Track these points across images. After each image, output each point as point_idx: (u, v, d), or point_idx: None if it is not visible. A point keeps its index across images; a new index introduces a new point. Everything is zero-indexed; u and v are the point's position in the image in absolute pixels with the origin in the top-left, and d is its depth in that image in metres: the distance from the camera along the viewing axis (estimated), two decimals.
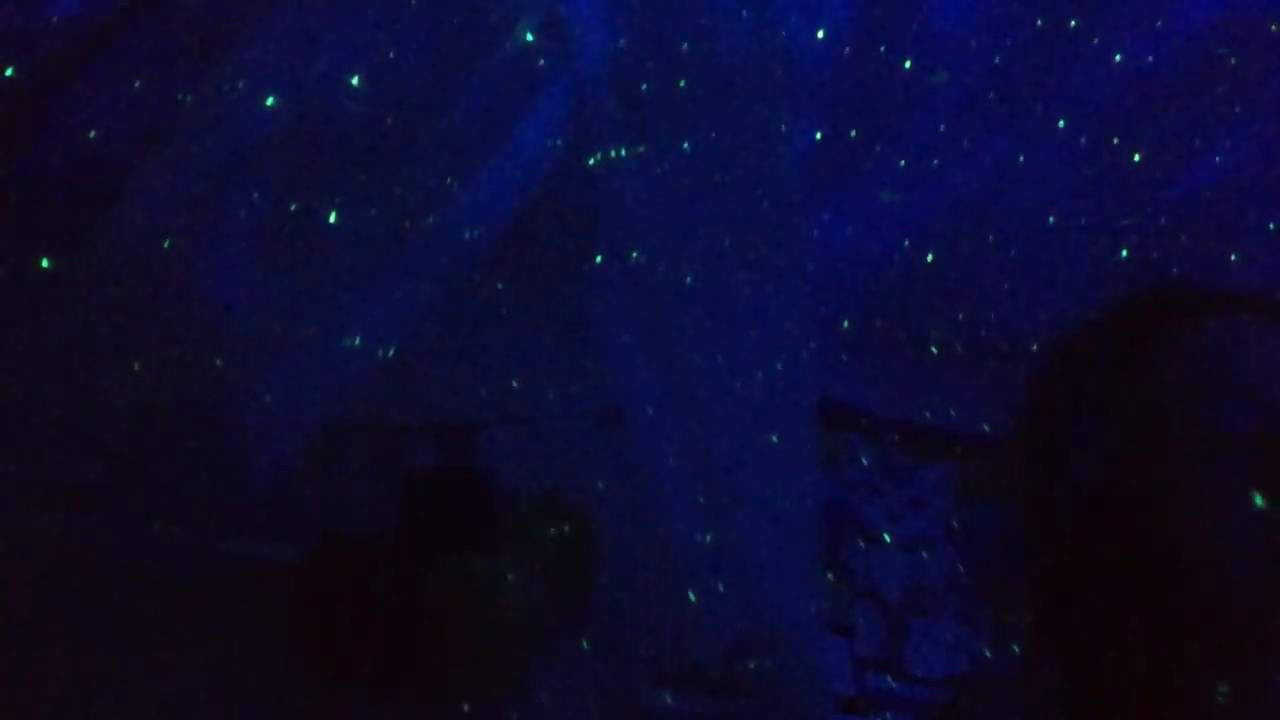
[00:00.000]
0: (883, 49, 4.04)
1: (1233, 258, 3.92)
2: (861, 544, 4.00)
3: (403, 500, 3.68)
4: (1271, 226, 3.90)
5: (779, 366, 3.74)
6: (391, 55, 3.77)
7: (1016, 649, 3.31)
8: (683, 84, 3.83)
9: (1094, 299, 3.89)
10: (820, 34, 3.95)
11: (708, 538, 3.66)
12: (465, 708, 3.42)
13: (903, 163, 4.08)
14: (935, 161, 4.07)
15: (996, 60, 4.04)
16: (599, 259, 3.81)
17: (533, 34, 3.83)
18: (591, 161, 3.82)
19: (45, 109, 3.72)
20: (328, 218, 3.72)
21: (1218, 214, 4.00)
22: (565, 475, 3.81)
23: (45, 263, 3.58)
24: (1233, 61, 3.97)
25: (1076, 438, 1.52)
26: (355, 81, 3.72)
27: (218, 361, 3.65)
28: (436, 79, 3.81)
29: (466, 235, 3.78)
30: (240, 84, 3.64)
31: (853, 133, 4.07)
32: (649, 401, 3.76)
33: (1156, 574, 1.41)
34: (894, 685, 3.84)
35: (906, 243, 4.09)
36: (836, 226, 4.16)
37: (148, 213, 3.63)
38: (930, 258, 4.07)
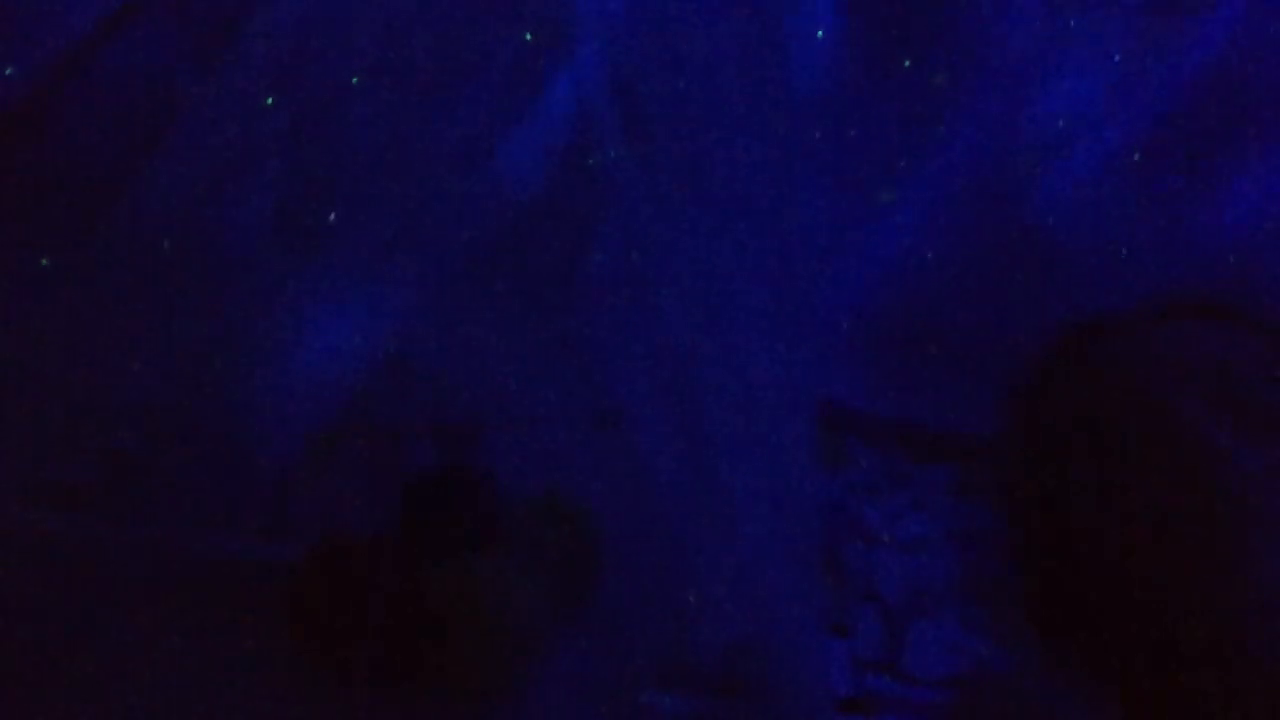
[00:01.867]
0: (883, 50, 4.05)
1: (1230, 259, 3.93)
2: (861, 545, 4.00)
3: (402, 501, 3.68)
4: (1270, 226, 3.91)
5: (779, 367, 3.74)
6: (391, 56, 3.77)
7: (1016, 649, 3.31)
8: (682, 84, 3.83)
9: (1095, 298, 3.90)
10: (820, 34, 3.96)
11: (707, 538, 3.65)
12: (465, 708, 3.42)
13: (903, 163, 4.09)
14: (937, 161, 4.08)
15: (997, 60, 4.04)
16: (598, 260, 3.82)
17: (532, 34, 3.83)
18: (590, 162, 3.82)
19: (45, 109, 3.72)
20: (328, 218, 3.72)
21: (1216, 215, 4.00)
22: (565, 476, 3.81)
23: (45, 262, 3.58)
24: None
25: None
26: (355, 81, 3.72)
27: (218, 361, 3.65)
28: (435, 80, 3.80)
29: (466, 235, 3.78)
30: (240, 84, 3.64)
31: (852, 132, 4.08)
32: (649, 402, 3.76)
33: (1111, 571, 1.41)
34: (893, 686, 3.85)
35: (908, 243, 4.10)
36: (837, 227, 4.16)
37: (148, 213, 3.63)
38: (931, 258, 4.08)
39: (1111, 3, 4.04)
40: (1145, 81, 4.04)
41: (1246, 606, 1.28)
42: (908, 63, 4.07)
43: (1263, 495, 1.28)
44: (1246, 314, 1.46)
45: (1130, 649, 1.34)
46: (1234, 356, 1.35)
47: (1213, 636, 1.28)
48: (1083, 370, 1.42)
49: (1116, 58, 4.01)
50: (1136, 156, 4.04)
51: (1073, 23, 4.06)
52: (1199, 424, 1.28)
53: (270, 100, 3.63)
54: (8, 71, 3.69)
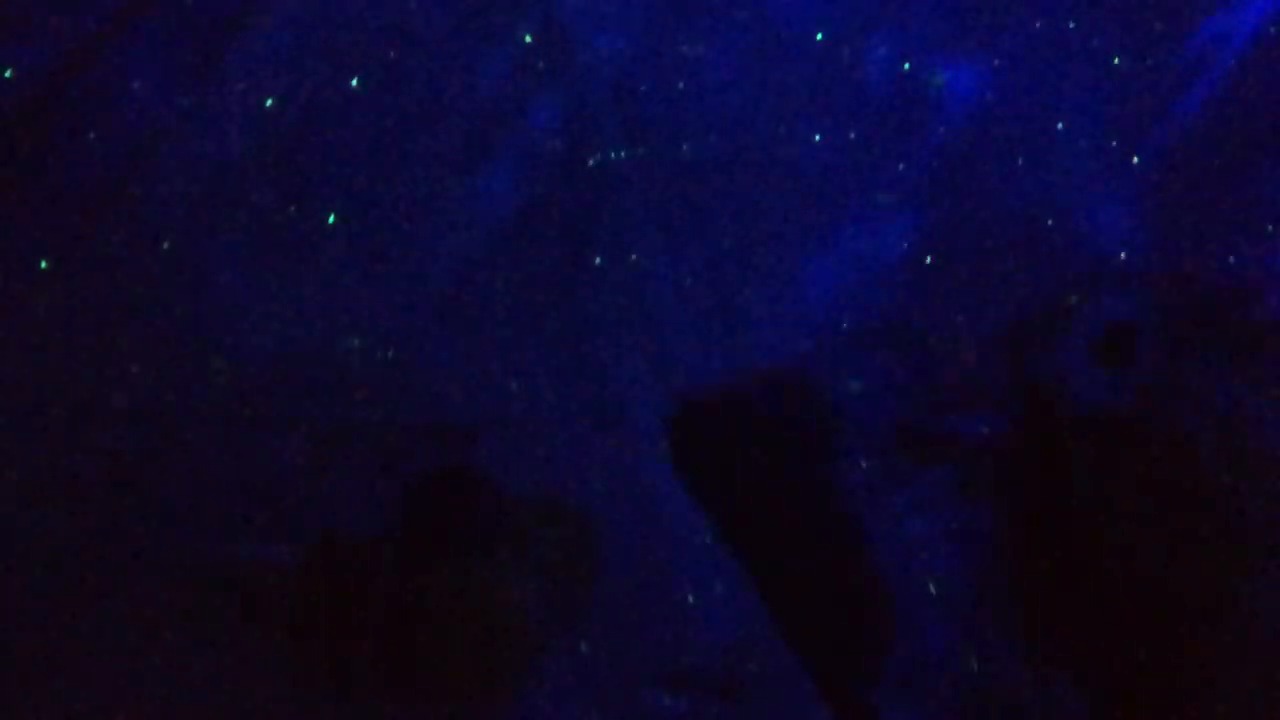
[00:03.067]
0: (881, 51, 4.05)
1: (1231, 259, 3.93)
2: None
3: (402, 501, 3.68)
4: (1271, 228, 3.91)
5: (778, 368, 3.74)
6: (391, 57, 3.77)
7: (1014, 650, 3.31)
8: (681, 85, 3.84)
9: (1091, 299, 3.90)
10: (820, 36, 3.96)
11: (706, 540, 3.66)
12: (465, 708, 3.42)
13: (901, 165, 4.08)
14: (934, 163, 4.07)
15: (995, 63, 4.05)
16: (598, 260, 3.82)
17: (532, 36, 3.83)
18: (591, 163, 3.82)
19: (45, 109, 3.72)
20: (327, 218, 3.73)
21: (1209, 219, 4.01)
22: (564, 477, 3.81)
23: (45, 263, 3.59)
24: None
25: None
26: (355, 82, 3.73)
27: (217, 362, 3.65)
28: (436, 81, 3.81)
29: (466, 236, 3.78)
30: (240, 84, 3.65)
31: (851, 134, 4.07)
32: (648, 403, 3.77)
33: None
34: None
35: (906, 245, 4.09)
36: (836, 228, 4.16)
37: (147, 213, 3.64)
38: (929, 260, 4.08)
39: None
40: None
41: (1251, 617, 1.29)
42: (907, 64, 4.07)
43: None
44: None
45: (1126, 647, 1.35)
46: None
47: (1218, 640, 1.29)
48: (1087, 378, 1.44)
49: (1117, 60, 4.01)
50: (1135, 159, 4.04)
51: (1072, 25, 4.07)
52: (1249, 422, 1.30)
53: (270, 100, 3.64)
54: (8, 74, 3.69)
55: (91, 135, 3.74)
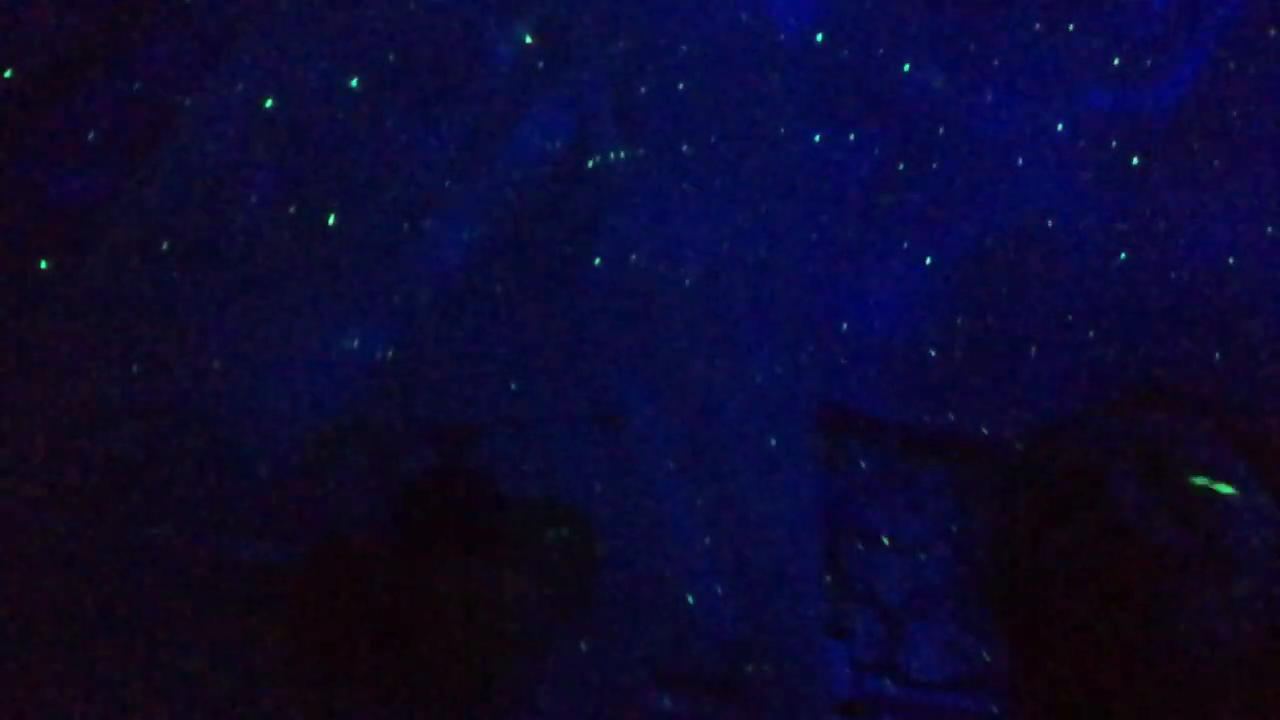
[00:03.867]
0: (880, 52, 4.06)
1: (1230, 261, 3.94)
2: (860, 547, 4.01)
3: (401, 503, 3.67)
4: (1270, 230, 3.92)
5: (778, 370, 3.75)
6: (390, 58, 3.77)
7: (1013, 652, 3.31)
8: (681, 87, 3.84)
9: (1087, 307, 3.91)
10: (819, 37, 3.97)
11: (706, 540, 3.66)
12: (465, 709, 3.41)
13: (901, 166, 4.09)
14: (934, 166, 4.08)
15: (996, 64, 4.06)
16: (597, 262, 3.82)
17: (531, 37, 3.84)
18: (590, 164, 3.83)
19: (45, 110, 3.73)
20: (327, 220, 3.73)
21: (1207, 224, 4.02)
22: (564, 478, 3.81)
23: (45, 264, 3.59)
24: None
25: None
26: (355, 83, 3.73)
27: (216, 363, 3.65)
28: (435, 82, 3.81)
29: (465, 238, 3.79)
30: (240, 85, 3.65)
31: (850, 136, 4.08)
32: (648, 405, 3.77)
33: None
34: (892, 688, 3.85)
35: (905, 245, 4.10)
36: (834, 231, 4.17)
37: (146, 215, 3.64)
38: (928, 261, 4.09)
39: None
40: None
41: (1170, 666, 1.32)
42: (907, 66, 4.08)
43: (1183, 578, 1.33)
44: (1191, 399, 1.51)
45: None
46: (1166, 441, 1.42)
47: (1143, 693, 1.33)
48: (1047, 462, 1.48)
49: (1116, 60, 4.02)
50: (1135, 160, 4.04)
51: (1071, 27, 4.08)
52: (1129, 507, 1.34)
53: (270, 101, 3.64)
54: (8, 74, 3.70)
55: (91, 136, 3.75)
